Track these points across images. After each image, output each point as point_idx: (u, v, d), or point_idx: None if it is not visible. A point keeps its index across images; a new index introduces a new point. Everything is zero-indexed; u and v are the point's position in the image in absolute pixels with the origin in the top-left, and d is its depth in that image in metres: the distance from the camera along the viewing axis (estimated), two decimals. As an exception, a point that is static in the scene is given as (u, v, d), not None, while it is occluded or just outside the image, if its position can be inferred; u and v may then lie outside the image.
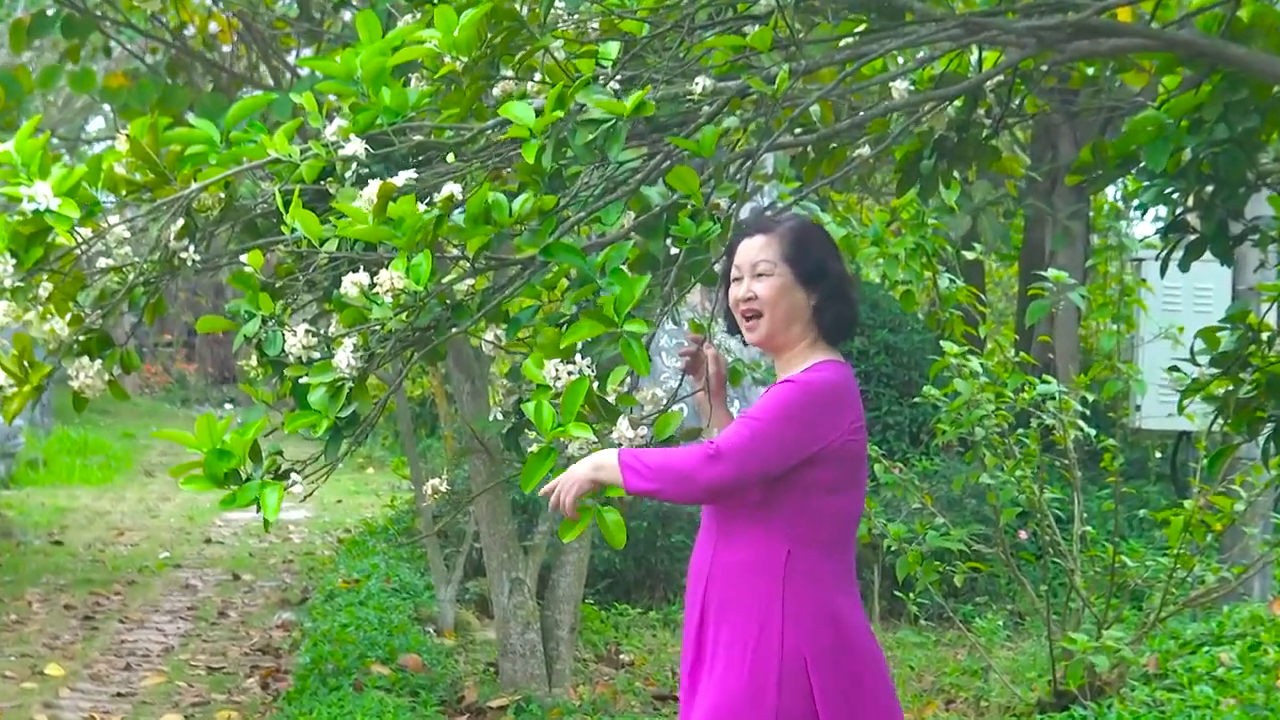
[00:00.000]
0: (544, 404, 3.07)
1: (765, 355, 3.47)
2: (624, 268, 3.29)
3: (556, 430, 3.05)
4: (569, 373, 3.13)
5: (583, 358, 3.17)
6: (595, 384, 3.16)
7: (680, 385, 3.47)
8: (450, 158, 3.67)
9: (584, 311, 3.25)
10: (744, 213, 3.68)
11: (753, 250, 3.36)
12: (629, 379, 3.35)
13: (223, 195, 3.62)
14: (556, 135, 3.34)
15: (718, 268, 3.49)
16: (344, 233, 3.34)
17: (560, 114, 3.28)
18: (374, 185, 3.30)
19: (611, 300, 3.19)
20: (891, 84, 3.88)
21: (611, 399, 3.16)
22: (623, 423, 3.04)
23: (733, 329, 3.48)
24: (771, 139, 3.55)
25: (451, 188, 3.28)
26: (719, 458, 3.12)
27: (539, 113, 3.33)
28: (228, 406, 20.69)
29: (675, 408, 3.30)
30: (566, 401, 3.08)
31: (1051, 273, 6.27)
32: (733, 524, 3.30)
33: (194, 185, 3.54)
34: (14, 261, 3.41)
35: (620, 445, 3.09)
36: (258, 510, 3.25)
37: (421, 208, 3.25)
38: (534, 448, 3.11)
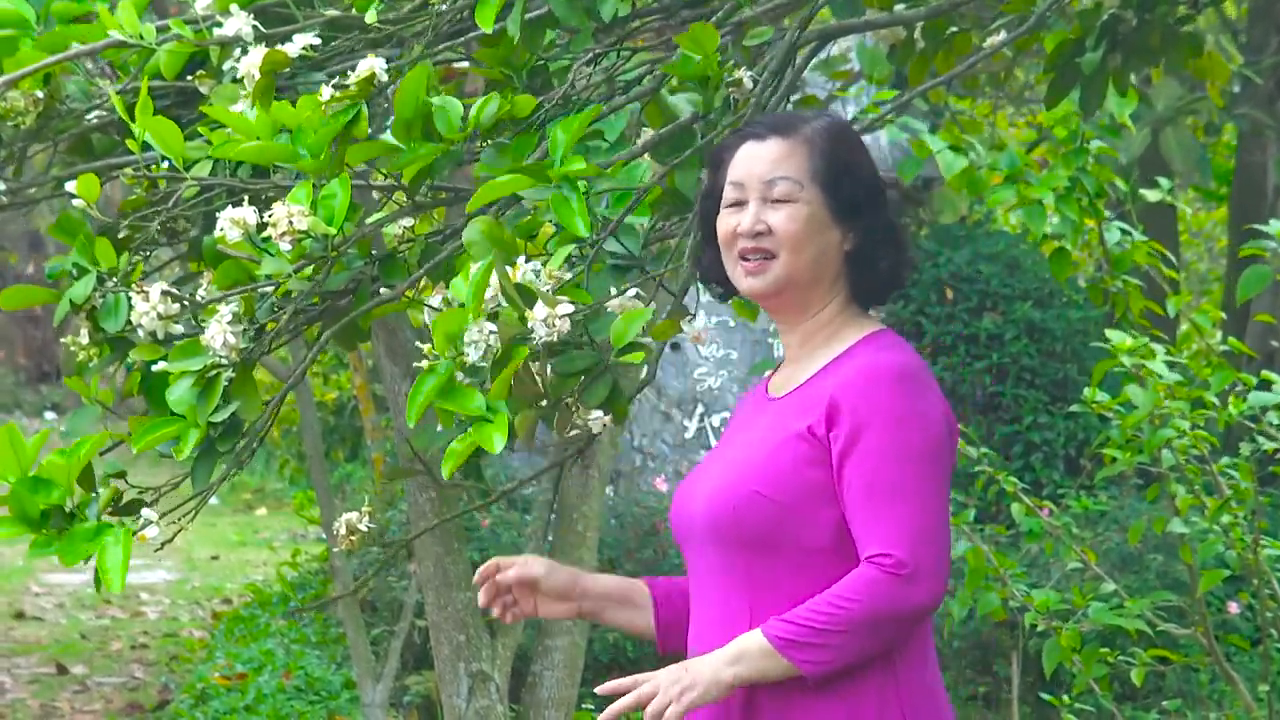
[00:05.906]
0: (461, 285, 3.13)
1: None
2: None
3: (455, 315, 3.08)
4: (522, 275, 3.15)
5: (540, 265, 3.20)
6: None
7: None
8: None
9: (512, 167, 3.27)
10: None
11: (765, 161, 3.31)
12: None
13: (40, 95, 3.62)
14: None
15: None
16: (220, 151, 3.35)
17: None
18: (257, 53, 3.29)
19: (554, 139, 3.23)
20: (1037, -67, 3.89)
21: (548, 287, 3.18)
22: (539, 306, 3.05)
23: (714, 278, 3.45)
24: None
25: (371, 63, 3.26)
26: (912, 574, 3.10)
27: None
28: (48, 415, 20.71)
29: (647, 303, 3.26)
30: (474, 285, 3.10)
31: (1276, 225, 6.25)
32: (772, 571, 3.29)
33: (-3, 80, 3.55)
34: None
35: (543, 340, 3.10)
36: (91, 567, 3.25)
37: (328, 93, 3.25)
38: (423, 361, 3.15)
